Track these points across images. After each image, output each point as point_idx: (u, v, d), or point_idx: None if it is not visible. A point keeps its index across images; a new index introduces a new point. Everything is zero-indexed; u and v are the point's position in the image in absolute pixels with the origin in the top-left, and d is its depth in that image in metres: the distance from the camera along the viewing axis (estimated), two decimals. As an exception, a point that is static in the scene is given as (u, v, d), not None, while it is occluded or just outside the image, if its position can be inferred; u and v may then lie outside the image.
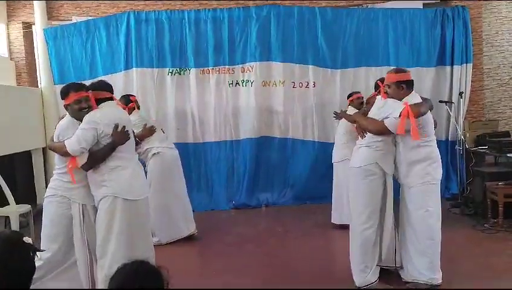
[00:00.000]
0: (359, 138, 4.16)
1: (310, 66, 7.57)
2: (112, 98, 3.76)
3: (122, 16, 7.48)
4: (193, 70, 7.51)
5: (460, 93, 7.56)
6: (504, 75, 8.38)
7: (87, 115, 3.50)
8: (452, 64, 7.74)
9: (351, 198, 4.13)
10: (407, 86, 3.94)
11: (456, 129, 7.36)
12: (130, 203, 3.52)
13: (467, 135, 7.29)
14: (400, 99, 3.88)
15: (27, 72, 8.16)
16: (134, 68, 7.45)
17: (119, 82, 7.41)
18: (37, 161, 7.75)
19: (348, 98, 6.39)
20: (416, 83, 7.81)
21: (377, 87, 4.63)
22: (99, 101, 3.61)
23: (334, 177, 6.05)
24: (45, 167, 7.80)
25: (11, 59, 8.12)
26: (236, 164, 7.59)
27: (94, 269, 3.60)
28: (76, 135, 3.44)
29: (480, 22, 8.22)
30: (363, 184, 3.95)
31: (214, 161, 7.67)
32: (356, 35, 7.63)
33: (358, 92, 6.34)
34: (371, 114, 4.12)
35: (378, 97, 4.23)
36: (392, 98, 3.95)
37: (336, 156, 6.01)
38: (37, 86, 8.11)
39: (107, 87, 3.77)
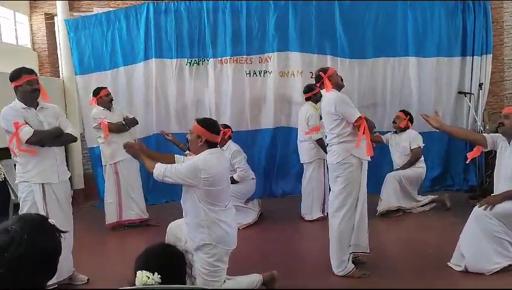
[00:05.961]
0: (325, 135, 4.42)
1: (328, 56, 7.52)
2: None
3: (141, 7, 7.54)
4: (211, 61, 7.55)
5: (480, 85, 7.49)
6: (525, 66, 8.22)
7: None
8: (473, 55, 7.65)
9: (332, 192, 4.25)
10: None
11: (476, 120, 7.31)
12: None
13: (486, 127, 7.22)
14: None
15: (49, 63, 8.32)
16: (153, 59, 7.51)
17: (138, 73, 7.54)
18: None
19: (305, 93, 6.39)
20: (436, 73, 7.76)
21: (318, 78, 4.29)
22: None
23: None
24: (67, 156, 7.93)
25: (33, 50, 8.28)
26: (253, 154, 7.55)
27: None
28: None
29: (502, 12, 8.09)
30: (343, 177, 4.08)
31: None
32: (375, 25, 7.56)
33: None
34: (323, 114, 4.23)
35: (322, 92, 4.26)
36: (505, 130, 4.16)
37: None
38: (59, 77, 8.27)
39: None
